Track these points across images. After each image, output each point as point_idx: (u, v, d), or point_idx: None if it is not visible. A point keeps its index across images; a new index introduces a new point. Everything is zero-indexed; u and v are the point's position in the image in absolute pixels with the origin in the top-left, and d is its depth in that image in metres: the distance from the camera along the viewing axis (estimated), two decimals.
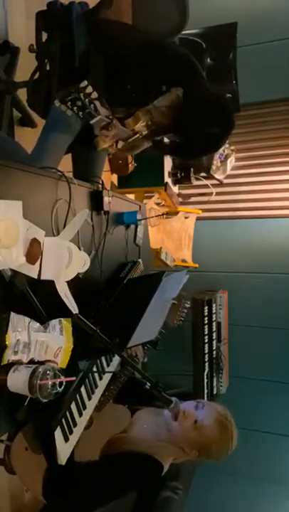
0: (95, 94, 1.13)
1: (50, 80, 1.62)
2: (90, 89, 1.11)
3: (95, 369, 1.45)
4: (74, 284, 1.24)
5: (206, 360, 2.86)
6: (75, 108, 1.14)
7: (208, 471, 3.01)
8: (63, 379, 1.00)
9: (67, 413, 1.28)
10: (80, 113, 1.16)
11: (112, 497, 1.34)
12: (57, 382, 0.98)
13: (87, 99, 1.12)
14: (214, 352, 2.96)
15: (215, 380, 2.95)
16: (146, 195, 3.09)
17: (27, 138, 2.23)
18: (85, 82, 1.11)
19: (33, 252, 1.10)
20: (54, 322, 1.14)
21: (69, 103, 1.13)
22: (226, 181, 3.37)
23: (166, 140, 1.44)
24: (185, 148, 1.50)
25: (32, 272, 1.10)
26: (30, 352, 1.05)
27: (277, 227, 3.31)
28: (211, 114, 1.38)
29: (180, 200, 3.41)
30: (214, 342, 2.97)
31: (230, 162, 3.33)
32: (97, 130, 1.31)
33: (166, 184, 2.93)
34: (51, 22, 1.63)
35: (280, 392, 3.29)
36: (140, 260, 1.86)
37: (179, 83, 1.38)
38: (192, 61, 1.45)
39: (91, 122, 1.23)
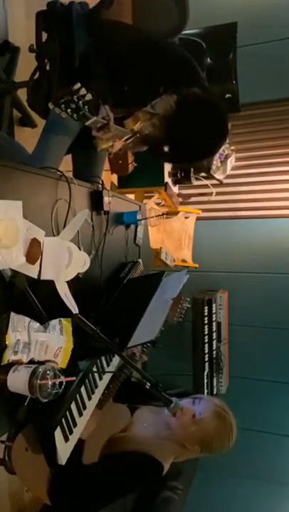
0: (89, 96, 1.11)
1: (50, 80, 1.63)
2: (83, 91, 1.10)
3: (95, 369, 1.45)
4: (74, 284, 1.24)
5: (206, 360, 2.87)
6: (69, 110, 1.13)
7: (208, 471, 3.01)
8: (63, 379, 1.00)
9: (67, 413, 1.28)
10: (75, 115, 1.15)
11: (114, 497, 1.35)
12: (57, 382, 0.98)
13: (81, 102, 1.11)
14: (214, 352, 2.96)
15: (215, 380, 2.96)
16: (146, 195, 3.09)
17: (27, 138, 2.23)
18: (78, 84, 1.09)
19: (33, 252, 1.10)
20: (54, 322, 1.14)
21: (63, 105, 1.11)
22: (226, 181, 3.36)
23: (162, 148, 1.44)
24: (180, 155, 1.49)
25: (32, 272, 1.10)
26: (30, 352, 1.05)
27: (277, 227, 3.31)
28: (205, 120, 1.37)
29: (180, 200, 3.41)
30: (214, 342, 2.97)
31: (230, 162, 3.33)
32: (94, 131, 1.31)
33: (166, 184, 2.93)
34: (51, 22, 1.63)
35: (280, 392, 3.29)
36: (140, 260, 1.86)
37: (177, 84, 1.37)
38: (191, 62, 1.45)
39: (86, 124, 1.23)
